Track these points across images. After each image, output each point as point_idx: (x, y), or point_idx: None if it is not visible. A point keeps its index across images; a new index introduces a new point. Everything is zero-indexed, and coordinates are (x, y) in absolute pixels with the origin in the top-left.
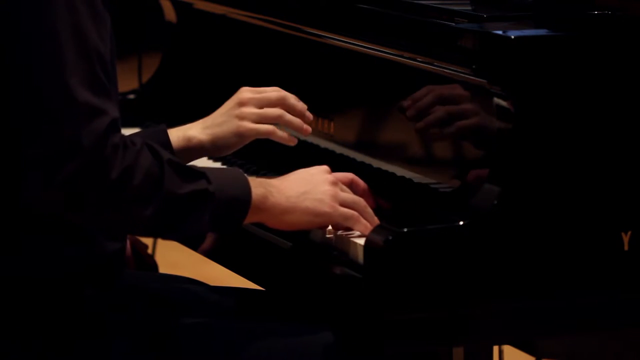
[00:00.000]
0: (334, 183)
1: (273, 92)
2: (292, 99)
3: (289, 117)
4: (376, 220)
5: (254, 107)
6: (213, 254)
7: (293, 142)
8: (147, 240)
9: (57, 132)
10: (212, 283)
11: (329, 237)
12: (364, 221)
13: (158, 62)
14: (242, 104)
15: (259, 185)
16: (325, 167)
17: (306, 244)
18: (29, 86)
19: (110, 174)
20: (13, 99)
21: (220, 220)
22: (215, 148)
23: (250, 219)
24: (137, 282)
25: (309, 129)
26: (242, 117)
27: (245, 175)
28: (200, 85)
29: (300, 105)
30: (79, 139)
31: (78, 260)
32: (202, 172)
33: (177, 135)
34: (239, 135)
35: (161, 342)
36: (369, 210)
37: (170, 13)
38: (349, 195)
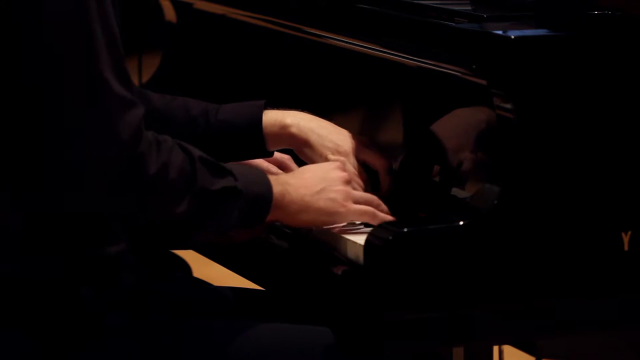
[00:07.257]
0: (348, 181)
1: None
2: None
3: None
4: (390, 218)
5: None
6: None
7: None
8: None
9: (94, 125)
10: (212, 283)
11: (329, 237)
12: (381, 215)
13: (158, 62)
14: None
15: (277, 184)
16: (338, 164)
17: (306, 244)
18: (59, 78)
19: (148, 169)
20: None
21: (245, 218)
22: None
23: (269, 216)
24: (136, 282)
25: None
26: (336, 147)
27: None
28: (200, 86)
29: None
30: (118, 132)
31: (78, 261)
32: (229, 169)
33: (274, 117)
34: (319, 154)
35: (160, 342)
36: (384, 207)
37: (170, 13)
38: (362, 193)
